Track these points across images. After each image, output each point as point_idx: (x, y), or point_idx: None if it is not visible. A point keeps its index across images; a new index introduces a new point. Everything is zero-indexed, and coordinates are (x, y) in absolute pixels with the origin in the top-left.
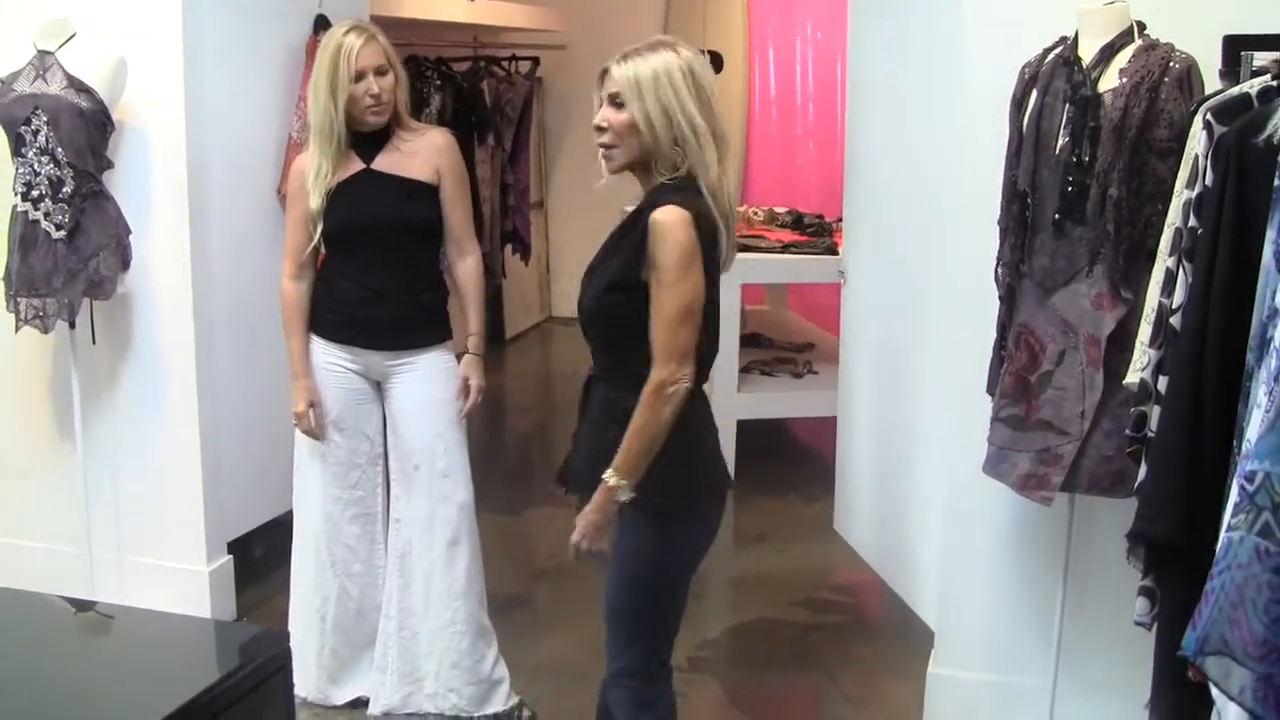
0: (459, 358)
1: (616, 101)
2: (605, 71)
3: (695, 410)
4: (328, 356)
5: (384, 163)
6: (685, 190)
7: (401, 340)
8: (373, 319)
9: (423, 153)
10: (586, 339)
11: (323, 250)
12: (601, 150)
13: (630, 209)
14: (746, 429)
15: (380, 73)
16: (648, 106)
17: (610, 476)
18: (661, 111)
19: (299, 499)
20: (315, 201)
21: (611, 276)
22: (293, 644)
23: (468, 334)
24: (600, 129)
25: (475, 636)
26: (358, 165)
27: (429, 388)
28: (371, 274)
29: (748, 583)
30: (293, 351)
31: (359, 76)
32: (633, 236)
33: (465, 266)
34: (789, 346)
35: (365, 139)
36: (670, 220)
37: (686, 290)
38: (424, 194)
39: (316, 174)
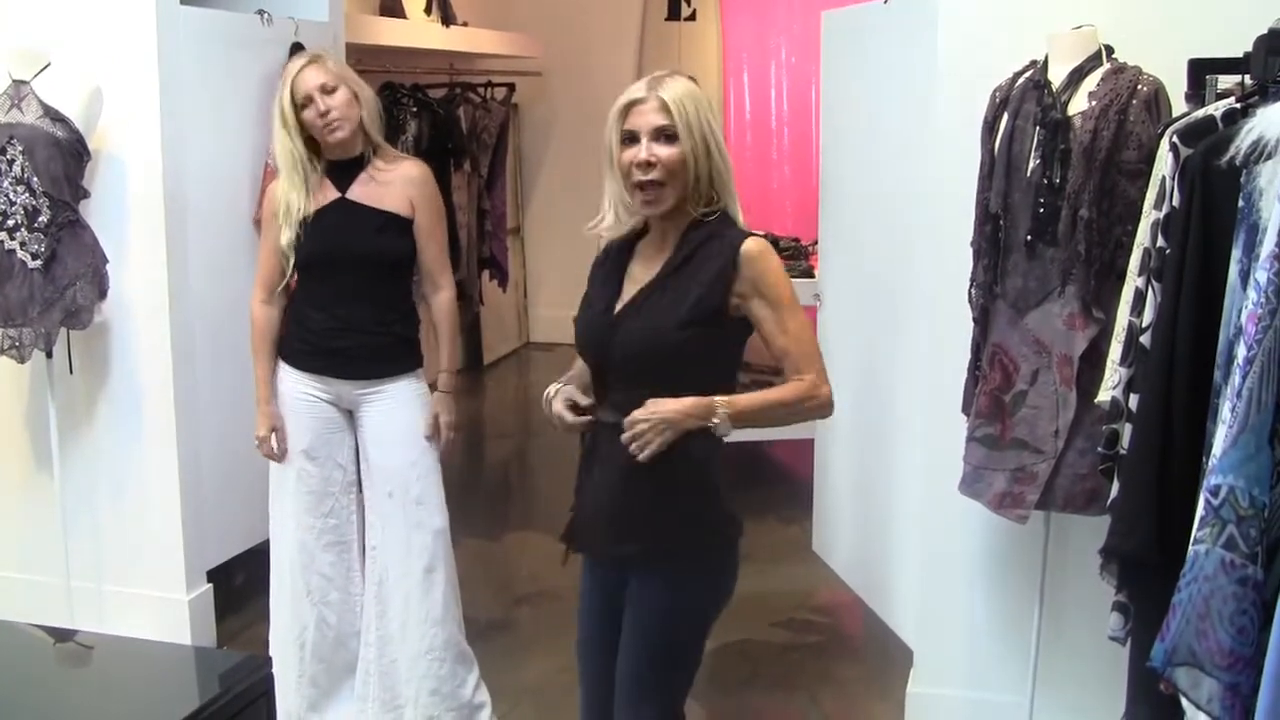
0: (432, 388)
1: (668, 134)
2: (634, 104)
3: (713, 448)
4: (299, 385)
5: (359, 193)
6: (731, 223)
7: (371, 370)
8: (343, 349)
9: (397, 184)
10: (623, 378)
11: (294, 278)
12: (646, 191)
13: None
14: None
15: (327, 91)
16: (695, 140)
17: (724, 405)
18: (704, 144)
19: (274, 528)
20: (286, 236)
21: (691, 310)
22: (273, 672)
23: (439, 370)
24: (648, 164)
25: (455, 662)
26: (333, 194)
27: (400, 415)
28: (342, 304)
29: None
30: (258, 377)
31: (305, 103)
32: (704, 272)
33: (439, 301)
34: (766, 369)
35: (341, 167)
36: (764, 247)
37: (800, 307)
38: (396, 226)
39: (286, 210)
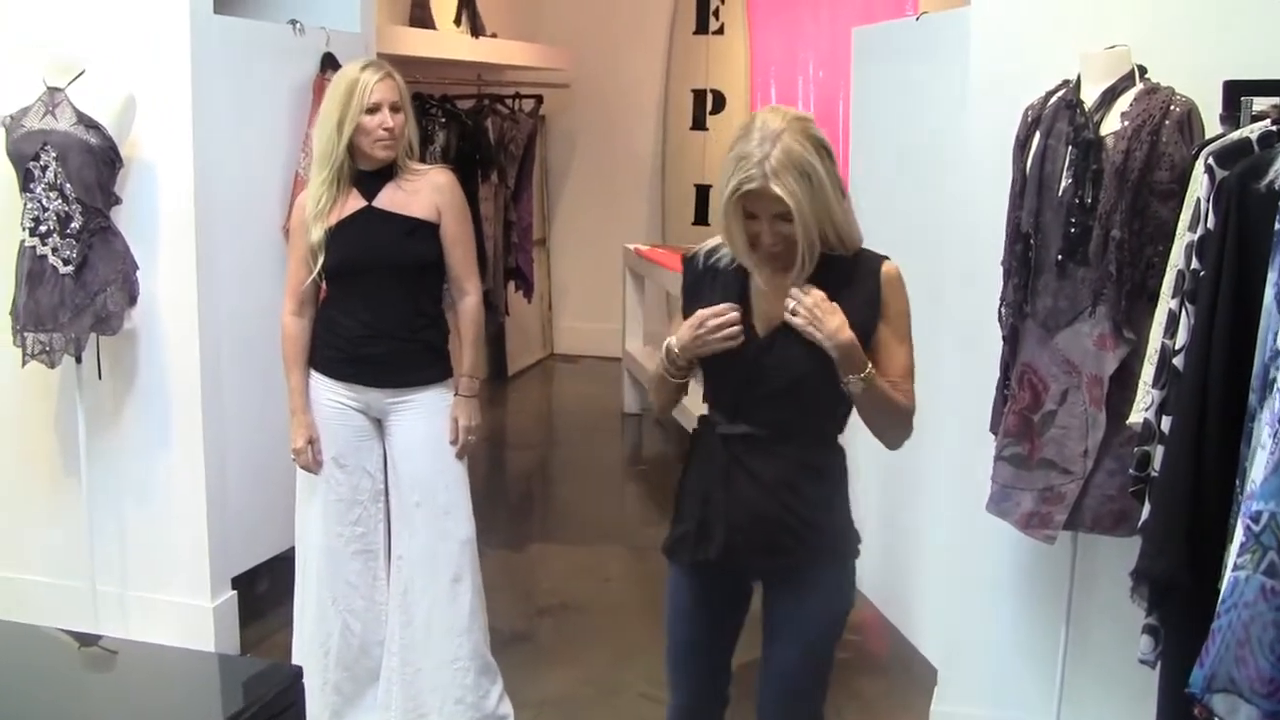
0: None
1: (787, 217)
2: (751, 193)
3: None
4: (328, 393)
5: (386, 200)
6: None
7: (401, 378)
8: (373, 356)
9: (424, 191)
10: (767, 398)
11: (324, 287)
12: (776, 260)
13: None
14: None
15: (395, 109)
16: (813, 213)
17: (870, 371)
18: (823, 210)
19: (300, 535)
20: (316, 235)
21: (861, 337)
22: None
23: (460, 374)
24: (773, 244)
25: (479, 673)
26: (359, 203)
27: (429, 424)
28: (372, 311)
29: (753, 621)
30: (292, 388)
31: (373, 109)
32: (854, 299)
33: (464, 306)
34: None
35: (368, 176)
36: (899, 271)
37: (911, 330)
38: (424, 232)
39: (316, 205)
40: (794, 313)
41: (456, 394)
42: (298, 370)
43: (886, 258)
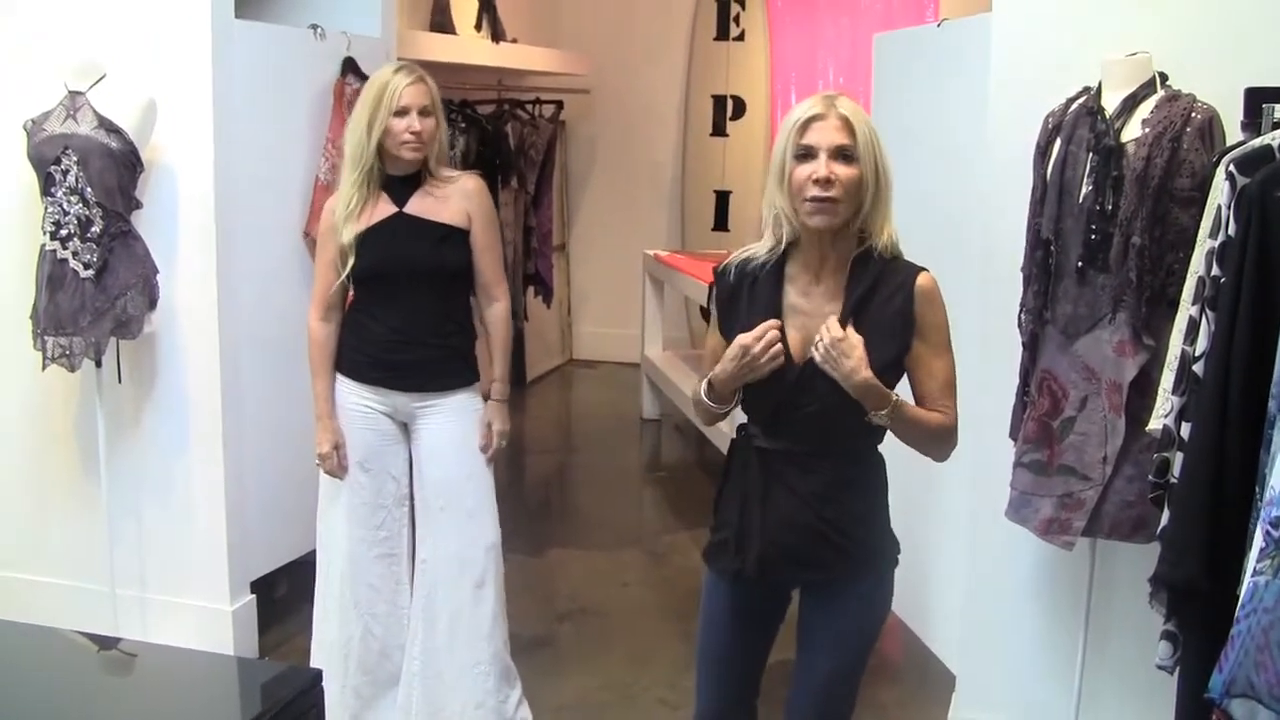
0: (485, 399)
1: (846, 154)
2: (813, 119)
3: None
4: (355, 397)
5: (416, 206)
6: (895, 252)
7: (429, 382)
8: (401, 361)
9: (454, 198)
10: (804, 417)
11: (350, 291)
12: (820, 204)
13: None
14: None
15: (424, 113)
16: (871, 162)
17: (898, 402)
18: (876, 167)
19: (323, 539)
20: (346, 236)
21: (882, 357)
22: None
23: (492, 380)
24: (827, 181)
25: (499, 678)
26: (390, 208)
27: (455, 429)
28: (401, 317)
29: (788, 624)
30: (318, 393)
31: (402, 112)
32: (886, 315)
33: (494, 312)
34: None
35: (398, 182)
36: (935, 284)
37: (950, 344)
38: (456, 239)
39: (347, 207)
40: (815, 348)
41: (489, 399)
42: (324, 376)
43: (924, 269)
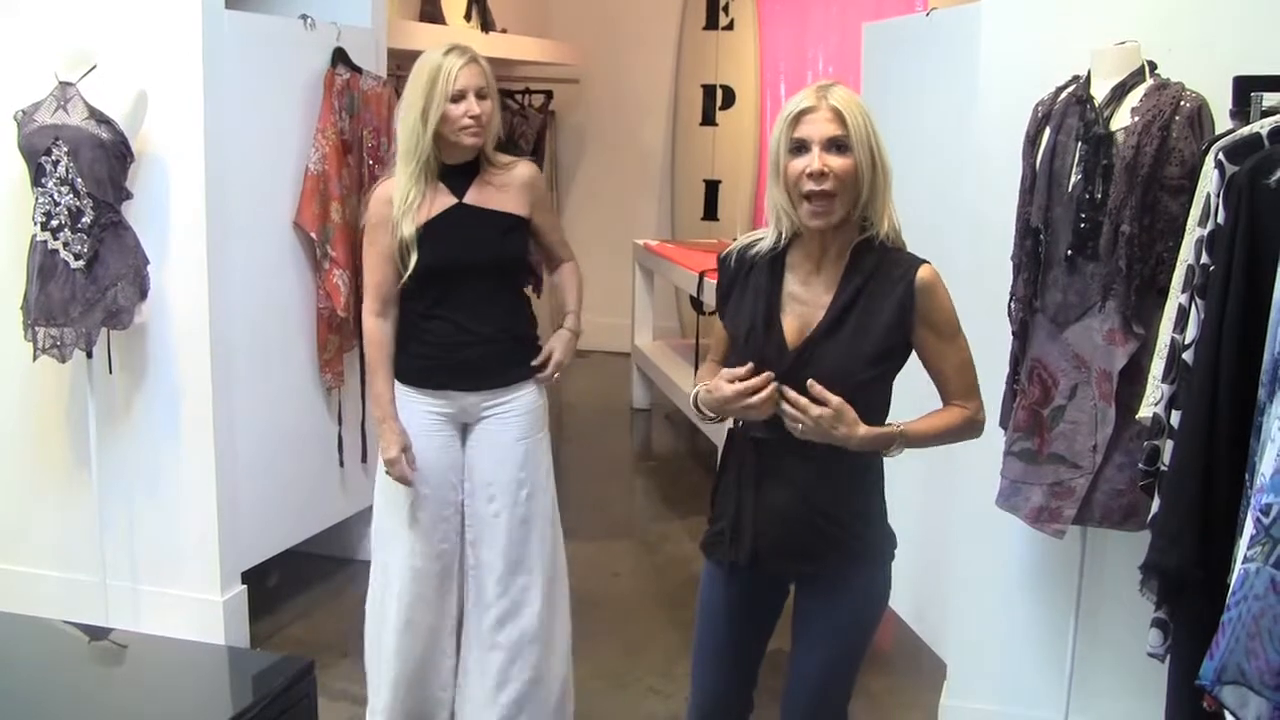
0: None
1: (839, 145)
2: (805, 112)
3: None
4: (419, 406)
5: (476, 197)
6: (896, 243)
7: (498, 378)
8: (469, 360)
9: (513, 186)
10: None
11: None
12: (815, 202)
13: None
14: None
15: (481, 95)
16: (865, 152)
17: (900, 439)
18: (871, 156)
19: (380, 554)
20: (408, 229)
21: (877, 347)
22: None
23: (567, 311)
24: (820, 175)
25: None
26: (449, 199)
27: (515, 429)
28: (466, 312)
29: (785, 613)
30: (378, 393)
31: (458, 96)
32: (883, 305)
33: (566, 268)
34: None
35: (453, 171)
36: (936, 276)
37: (963, 334)
38: (520, 228)
39: (406, 200)
40: (803, 419)
41: (563, 328)
42: (384, 374)
43: (925, 261)
